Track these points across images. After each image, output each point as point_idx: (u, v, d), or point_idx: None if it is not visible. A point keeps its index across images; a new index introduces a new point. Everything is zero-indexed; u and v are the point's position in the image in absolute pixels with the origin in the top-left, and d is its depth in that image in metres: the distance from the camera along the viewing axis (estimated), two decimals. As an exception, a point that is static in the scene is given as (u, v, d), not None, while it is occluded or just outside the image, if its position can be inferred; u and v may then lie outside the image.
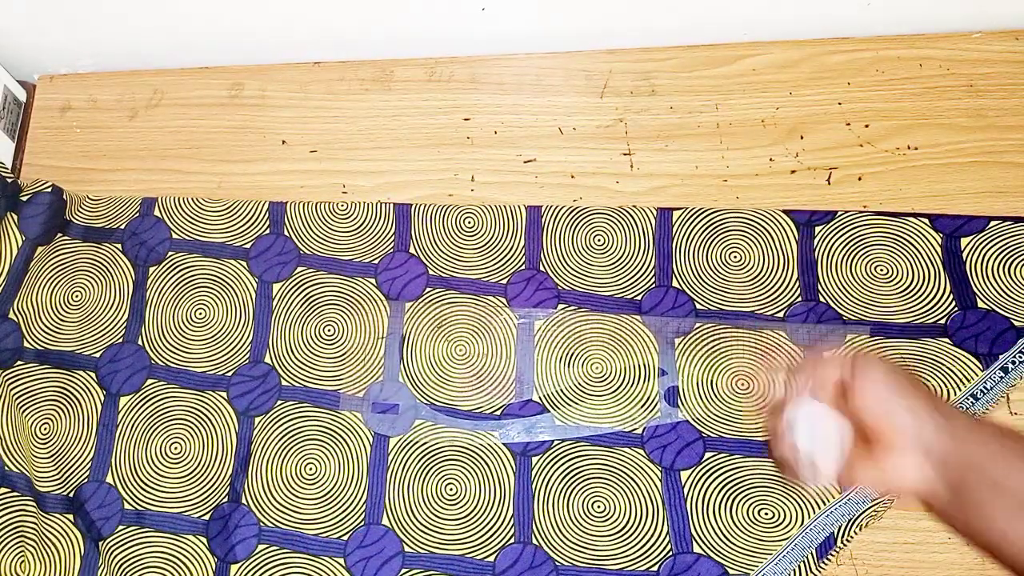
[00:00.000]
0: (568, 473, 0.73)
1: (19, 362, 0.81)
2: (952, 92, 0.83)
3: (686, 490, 0.72)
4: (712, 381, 0.75)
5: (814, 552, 0.69)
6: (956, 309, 0.74)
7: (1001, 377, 0.72)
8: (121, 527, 0.75)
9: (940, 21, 0.85)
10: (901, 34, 0.86)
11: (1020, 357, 0.72)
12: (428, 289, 0.80)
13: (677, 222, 0.80)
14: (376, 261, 0.81)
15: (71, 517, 0.76)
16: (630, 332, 0.77)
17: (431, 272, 0.80)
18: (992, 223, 0.77)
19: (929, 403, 0.44)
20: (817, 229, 0.78)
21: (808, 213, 0.79)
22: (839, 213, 0.79)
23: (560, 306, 0.78)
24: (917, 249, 0.77)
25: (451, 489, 0.74)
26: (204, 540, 0.74)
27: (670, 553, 0.70)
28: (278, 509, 0.75)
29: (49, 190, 0.84)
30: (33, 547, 0.76)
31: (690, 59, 0.87)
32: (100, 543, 0.75)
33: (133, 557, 0.74)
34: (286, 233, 0.83)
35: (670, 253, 0.79)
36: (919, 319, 0.75)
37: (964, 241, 0.77)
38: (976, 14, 0.85)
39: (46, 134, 0.92)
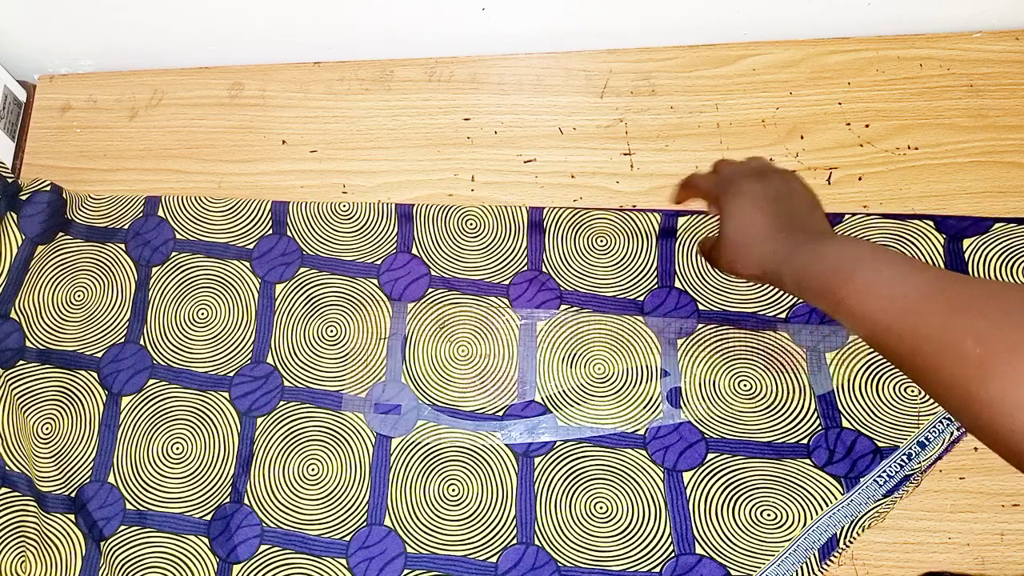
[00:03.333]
0: (570, 474, 0.73)
1: (21, 362, 0.81)
2: (952, 92, 0.83)
3: (688, 491, 0.72)
4: (715, 382, 0.75)
5: (817, 553, 0.69)
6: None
7: None
8: (123, 527, 0.75)
9: (940, 21, 0.85)
10: (901, 34, 0.86)
11: None
12: (430, 290, 0.80)
13: (681, 224, 0.80)
14: (378, 262, 0.81)
15: (72, 517, 0.76)
16: (632, 333, 0.77)
17: (433, 273, 0.80)
18: (996, 225, 0.77)
19: (778, 221, 0.55)
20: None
21: (810, 214, 0.79)
22: (844, 216, 0.79)
23: (562, 307, 0.78)
24: (920, 251, 0.77)
25: (453, 490, 0.74)
26: (206, 540, 0.75)
27: (672, 554, 0.71)
28: (280, 509, 0.75)
29: (48, 189, 0.84)
30: (34, 547, 0.76)
31: (690, 59, 0.87)
32: (102, 543, 0.75)
33: (135, 557, 0.74)
34: (289, 233, 0.83)
35: (672, 254, 0.79)
36: None
37: (966, 242, 0.77)
38: (976, 14, 0.85)
39: (46, 134, 0.92)
